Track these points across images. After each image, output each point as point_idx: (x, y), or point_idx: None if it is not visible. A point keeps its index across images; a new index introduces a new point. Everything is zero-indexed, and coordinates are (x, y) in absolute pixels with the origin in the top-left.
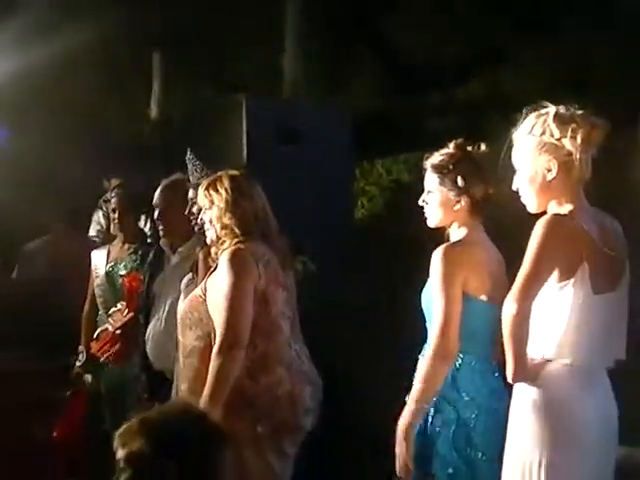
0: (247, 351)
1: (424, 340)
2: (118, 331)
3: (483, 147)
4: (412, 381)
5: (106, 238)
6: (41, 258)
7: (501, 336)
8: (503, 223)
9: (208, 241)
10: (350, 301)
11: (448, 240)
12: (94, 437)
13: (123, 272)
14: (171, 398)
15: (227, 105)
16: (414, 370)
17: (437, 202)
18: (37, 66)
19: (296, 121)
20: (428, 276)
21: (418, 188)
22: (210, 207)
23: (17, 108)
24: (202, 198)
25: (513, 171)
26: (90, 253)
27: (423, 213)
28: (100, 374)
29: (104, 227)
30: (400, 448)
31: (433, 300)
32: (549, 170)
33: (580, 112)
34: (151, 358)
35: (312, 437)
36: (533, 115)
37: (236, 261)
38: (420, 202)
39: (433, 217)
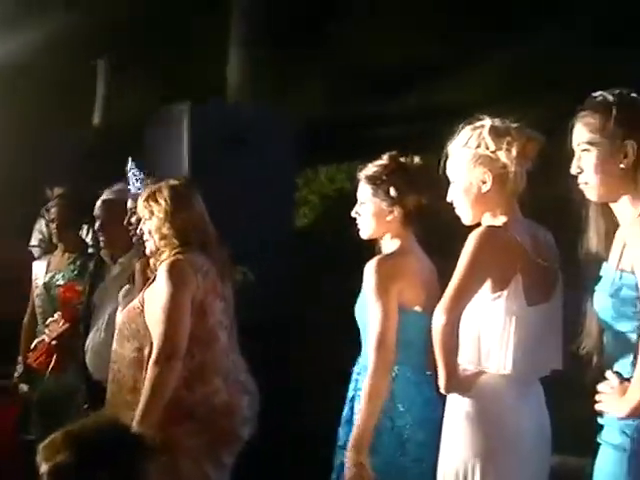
0: (185, 361)
1: (360, 351)
2: (54, 342)
3: (417, 159)
4: (348, 390)
5: (48, 248)
6: None
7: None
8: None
9: (147, 252)
10: (288, 310)
11: (381, 252)
12: (24, 449)
13: (61, 282)
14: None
15: (170, 112)
16: (350, 380)
17: (370, 213)
18: None
19: (240, 129)
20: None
21: None
22: (150, 218)
23: None
24: (142, 209)
25: (448, 183)
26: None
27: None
28: (37, 385)
29: (46, 236)
30: (357, 469)
31: (368, 312)
32: (484, 182)
33: (515, 125)
34: (90, 368)
35: (249, 447)
36: (469, 127)
37: (174, 272)
38: (353, 213)
39: (366, 228)
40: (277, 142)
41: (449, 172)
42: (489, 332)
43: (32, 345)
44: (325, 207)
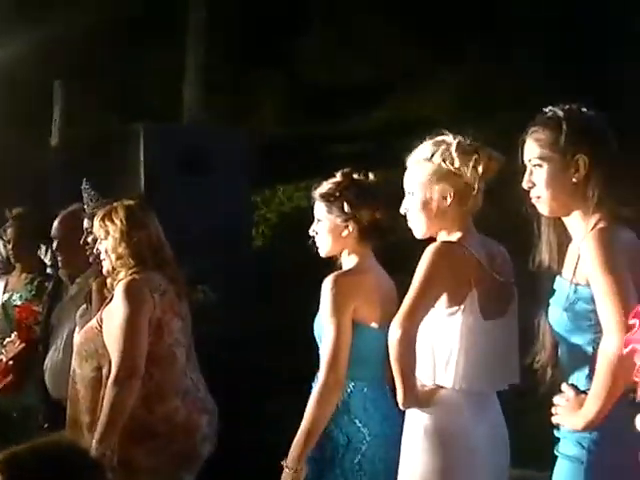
0: (143, 380)
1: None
2: (10, 362)
3: (371, 176)
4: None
5: (5, 268)
6: None
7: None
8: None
9: (104, 271)
10: (249, 328)
11: (340, 268)
12: None
13: (18, 302)
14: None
15: (125, 133)
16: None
17: (326, 230)
18: None
19: (196, 148)
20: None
21: None
22: (105, 237)
23: None
24: (98, 228)
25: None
26: None
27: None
28: None
29: (4, 257)
30: (293, 476)
31: (324, 329)
32: (444, 198)
33: (478, 144)
34: (49, 388)
35: (209, 464)
36: (430, 142)
37: (131, 292)
38: (311, 232)
39: (323, 246)
40: (234, 161)
41: (406, 184)
42: (445, 347)
43: None
44: (284, 225)
